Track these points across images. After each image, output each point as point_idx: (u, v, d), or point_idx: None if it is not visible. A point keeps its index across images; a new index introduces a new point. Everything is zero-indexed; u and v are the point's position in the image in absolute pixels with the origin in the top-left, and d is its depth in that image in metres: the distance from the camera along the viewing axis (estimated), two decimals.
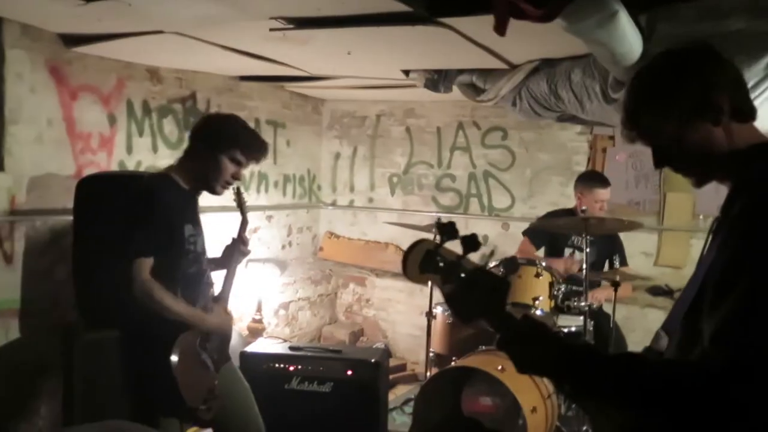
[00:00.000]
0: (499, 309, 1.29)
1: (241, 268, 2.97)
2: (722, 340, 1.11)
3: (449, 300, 1.31)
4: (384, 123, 6.17)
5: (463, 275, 1.28)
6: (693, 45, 1.39)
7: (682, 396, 1.12)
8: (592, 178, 4.33)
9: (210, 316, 2.62)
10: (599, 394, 1.23)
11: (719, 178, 1.35)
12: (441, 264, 1.29)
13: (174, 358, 2.43)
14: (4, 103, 3.43)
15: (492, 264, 3.80)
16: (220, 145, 2.59)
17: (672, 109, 1.33)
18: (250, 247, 2.92)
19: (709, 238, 1.35)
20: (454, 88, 4.35)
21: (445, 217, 4.32)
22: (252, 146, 2.68)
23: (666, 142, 1.35)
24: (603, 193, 4.20)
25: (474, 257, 1.36)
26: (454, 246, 1.34)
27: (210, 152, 2.60)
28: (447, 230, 1.30)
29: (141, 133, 4.29)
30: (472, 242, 1.28)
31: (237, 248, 2.84)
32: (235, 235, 2.88)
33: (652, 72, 1.39)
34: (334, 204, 6.39)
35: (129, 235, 2.42)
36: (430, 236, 4.05)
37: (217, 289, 2.78)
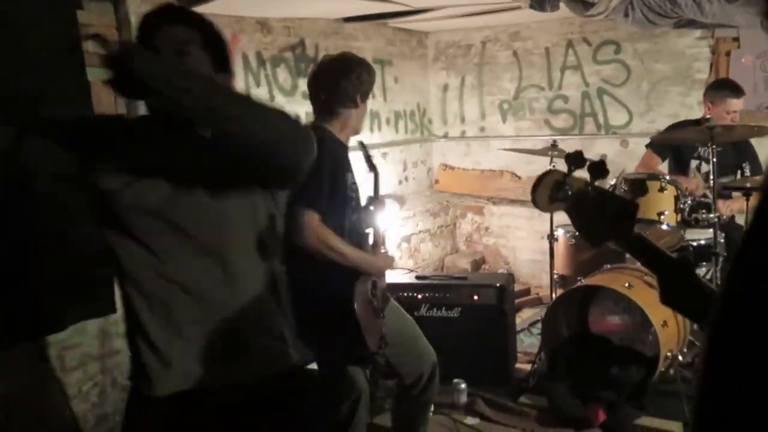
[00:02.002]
0: (627, 231, 1.31)
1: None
2: None
3: (579, 226, 1.34)
4: (490, 49, 6.08)
5: (591, 200, 1.31)
6: None
7: None
8: (723, 87, 4.09)
9: (376, 259, 2.70)
10: None
11: None
12: (570, 192, 1.32)
13: (357, 306, 2.50)
14: None
15: (612, 183, 3.75)
16: (358, 97, 2.67)
17: None
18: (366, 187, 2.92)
19: None
20: (561, 5, 4.22)
21: (560, 140, 4.26)
22: (374, 80, 2.76)
23: None
24: (736, 103, 3.98)
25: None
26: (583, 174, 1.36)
27: (351, 107, 2.68)
28: (574, 159, 1.32)
29: (258, 84, 4.49)
30: (600, 168, 1.29)
31: (376, 207, 2.83)
32: (372, 194, 2.86)
33: None
34: (446, 136, 6.43)
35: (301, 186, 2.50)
36: (546, 160, 4.04)
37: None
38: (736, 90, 4.02)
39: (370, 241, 2.80)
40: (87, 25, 3.51)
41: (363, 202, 2.79)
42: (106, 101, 3.57)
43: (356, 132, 2.79)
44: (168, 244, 1.63)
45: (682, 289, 1.26)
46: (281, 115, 1.60)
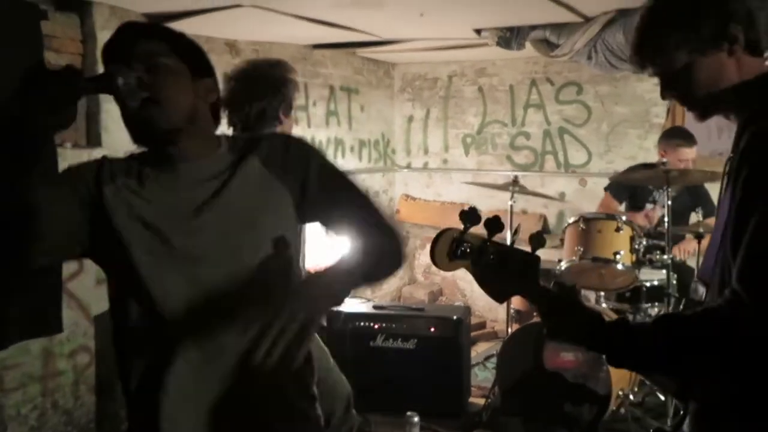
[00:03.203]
0: (532, 283, 1.31)
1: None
2: (746, 276, 1.12)
3: (482, 282, 1.33)
4: (456, 83, 6.16)
5: (492, 256, 1.31)
6: None
7: (720, 339, 1.14)
8: (676, 135, 4.15)
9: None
10: (640, 362, 1.27)
11: (724, 111, 1.33)
12: (468, 250, 1.31)
13: None
14: None
15: (571, 221, 3.80)
16: (285, 106, 2.60)
17: (688, 36, 1.29)
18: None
19: (725, 179, 1.33)
20: (527, 44, 4.32)
21: (521, 176, 4.32)
22: (297, 86, 2.70)
23: (676, 70, 1.32)
24: (688, 152, 4.03)
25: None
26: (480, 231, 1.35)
27: (275, 117, 2.59)
28: (469, 216, 1.31)
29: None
30: (495, 224, 1.29)
31: None
32: None
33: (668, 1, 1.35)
34: (408, 167, 6.46)
35: None
36: (507, 195, 4.08)
37: None
38: (688, 139, 4.08)
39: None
40: (51, 37, 3.45)
41: None
42: None
43: None
44: None
45: (566, 313, 1.29)
46: (389, 256, 1.56)
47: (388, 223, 1.56)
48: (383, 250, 1.52)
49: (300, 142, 1.65)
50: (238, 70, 2.73)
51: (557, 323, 1.30)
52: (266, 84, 2.63)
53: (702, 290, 1.35)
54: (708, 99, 1.32)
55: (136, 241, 1.43)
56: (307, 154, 1.59)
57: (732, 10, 1.28)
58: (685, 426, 1.35)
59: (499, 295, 1.35)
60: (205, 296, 1.43)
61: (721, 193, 1.36)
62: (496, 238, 1.31)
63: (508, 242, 1.40)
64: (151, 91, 1.40)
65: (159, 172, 1.51)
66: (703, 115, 1.36)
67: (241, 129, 2.61)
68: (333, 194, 1.55)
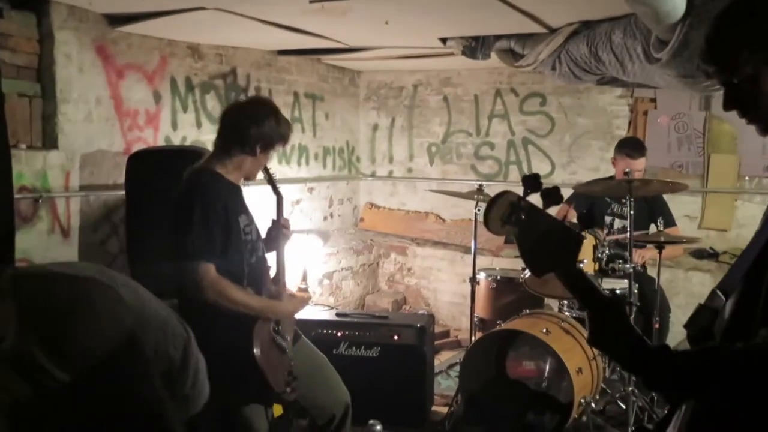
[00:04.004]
0: (570, 263, 1.29)
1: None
2: None
3: (524, 253, 1.31)
4: (421, 93, 6.18)
5: (542, 227, 1.28)
6: None
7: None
8: (626, 146, 4.20)
9: (282, 304, 2.63)
10: (678, 393, 1.24)
11: None
12: (523, 216, 1.29)
13: (256, 350, 2.41)
14: (56, 83, 3.55)
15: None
16: (258, 147, 2.57)
17: (761, 45, 1.26)
18: (291, 221, 2.88)
19: None
20: (492, 54, 4.34)
21: (485, 185, 4.33)
22: (284, 136, 2.65)
23: (742, 80, 1.28)
24: (634, 163, 4.07)
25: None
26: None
27: (253, 150, 2.57)
28: (530, 182, 1.29)
29: (185, 110, 4.39)
30: (553, 195, 1.27)
31: (278, 231, 2.78)
32: (275, 218, 2.81)
33: (749, 4, 1.31)
34: (373, 175, 6.44)
35: (187, 240, 2.37)
36: (471, 204, 4.08)
37: (272, 271, 2.77)
38: (636, 149, 4.13)
39: (272, 275, 2.72)
40: (7, 35, 3.36)
41: (261, 240, 2.69)
42: (20, 115, 3.41)
43: (249, 178, 2.67)
44: None
45: (612, 330, 1.25)
46: None
47: None
48: None
49: None
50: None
51: (603, 335, 1.26)
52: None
53: (720, 300, 1.34)
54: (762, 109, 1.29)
55: None
56: None
57: None
58: (671, 427, 1.34)
59: (538, 268, 1.32)
60: None
61: None
62: None
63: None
64: None
65: None
66: (765, 129, 1.32)
67: None
68: None
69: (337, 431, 2.85)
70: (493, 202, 1.30)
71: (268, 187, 2.76)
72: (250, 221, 2.62)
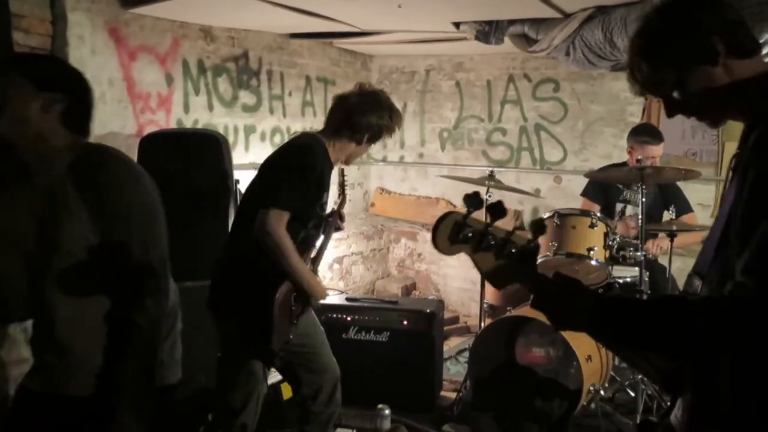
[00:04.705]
0: (530, 271, 1.31)
1: None
2: (753, 269, 1.13)
3: (482, 269, 1.32)
4: (433, 78, 6.14)
5: (492, 242, 1.30)
6: None
7: (721, 327, 1.14)
8: (643, 133, 4.14)
9: (317, 282, 2.75)
10: (639, 339, 1.25)
11: (733, 115, 1.36)
12: (470, 234, 1.30)
13: (276, 302, 2.54)
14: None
15: (546, 215, 3.81)
16: (371, 134, 2.72)
17: (667, 59, 1.35)
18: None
19: (730, 175, 1.35)
20: (506, 39, 4.31)
21: (496, 171, 4.31)
22: (392, 131, 2.80)
23: (671, 91, 1.37)
24: (654, 149, 4.03)
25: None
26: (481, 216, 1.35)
27: (360, 138, 2.72)
28: (473, 201, 1.30)
29: (197, 92, 4.38)
30: (498, 209, 1.28)
31: (334, 221, 2.99)
32: (336, 208, 3.03)
33: (645, 26, 1.41)
34: (384, 160, 6.43)
35: (277, 186, 2.51)
36: (482, 190, 4.07)
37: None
38: (654, 136, 4.07)
39: (313, 254, 2.87)
40: (19, 16, 3.36)
41: (324, 221, 2.87)
42: None
43: (346, 163, 2.85)
44: None
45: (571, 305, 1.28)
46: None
47: None
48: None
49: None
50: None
51: (559, 309, 1.29)
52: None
53: (698, 283, 1.35)
54: (710, 109, 1.37)
55: None
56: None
57: (705, 24, 1.33)
58: (672, 417, 1.34)
59: (499, 281, 1.34)
60: None
61: (725, 188, 1.37)
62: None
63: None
64: None
65: None
66: (714, 122, 1.41)
67: None
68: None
69: (326, 405, 2.89)
70: (437, 225, 1.31)
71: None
72: (326, 201, 2.79)
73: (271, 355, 2.62)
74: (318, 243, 2.89)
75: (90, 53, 3.66)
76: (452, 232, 1.30)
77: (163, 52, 4.12)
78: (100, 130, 3.73)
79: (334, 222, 2.99)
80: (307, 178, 2.56)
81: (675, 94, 1.36)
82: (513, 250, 1.29)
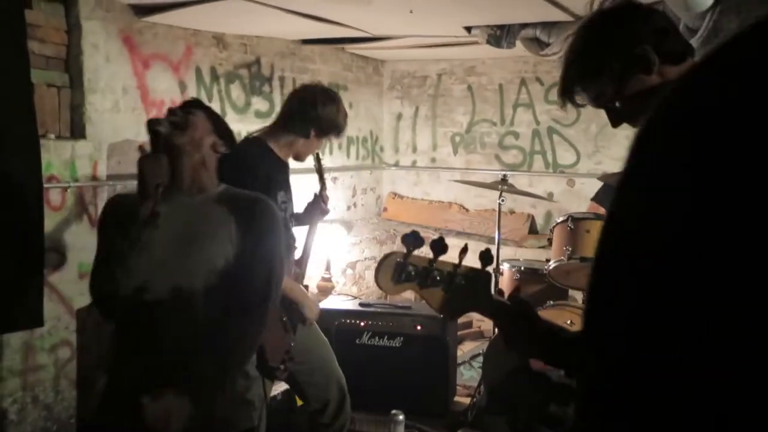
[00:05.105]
0: (484, 298, 1.33)
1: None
2: None
3: (431, 302, 1.33)
4: (445, 82, 6.14)
5: (438, 277, 1.30)
6: (609, 7, 1.46)
7: None
8: None
9: (299, 288, 2.70)
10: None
11: None
12: (413, 272, 1.30)
13: None
14: (83, 73, 3.58)
15: (559, 220, 3.79)
16: (318, 127, 2.69)
17: (602, 74, 1.38)
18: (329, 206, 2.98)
19: None
20: (517, 43, 4.30)
21: (509, 175, 4.30)
22: (339, 126, 2.76)
23: (611, 102, 1.40)
24: None
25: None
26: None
27: (307, 131, 2.68)
28: (412, 240, 1.30)
29: (210, 99, 4.41)
30: (439, 245, 1.29)
31: (318, 206, 2.90)
32: (317, 192, 2.94)
33: (578, 42, 1.44)
34: (396, 164, 6.44)
35: None
36: (495, 194, 4.06)
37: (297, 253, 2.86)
38: None
39: (296, 257, 2.79)
40: (35, 26, 3.39)
41: (292, 221, 2.80)
42: (48, 104, 3.45)
43: (298, 159, 2.79)
44: None
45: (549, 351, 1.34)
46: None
47: None
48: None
49: None
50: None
51: (514, 333, 1.34)
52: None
53: None
54: (641, 113, 1.37)
55: None
56: None
57: (631, 36, 1.36)
58: None
59: (451, 312, 1.35)
60: None
61: None
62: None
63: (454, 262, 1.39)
64: None
65: None
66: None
67: None
68: None
69: (335, 418, 2.87)
70: (379, 267, 1.32)
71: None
72: (288, 199, 2.73)
73: (270, 370, 2.55)
74: (299, 242, 2.83)
75: (104, 61, 3.69)
76: (394, 273, 1.30)
77: (177, 59, 4.15)
78: (115, 137, 3.76)
79: (316, 208, 2.90)
80: (246, 183, 2.46)
81: (617, 104, 1.40)
82: (462, 282, 1.31)
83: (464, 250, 1.33)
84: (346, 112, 2.81)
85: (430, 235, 1.34)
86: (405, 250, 1.30)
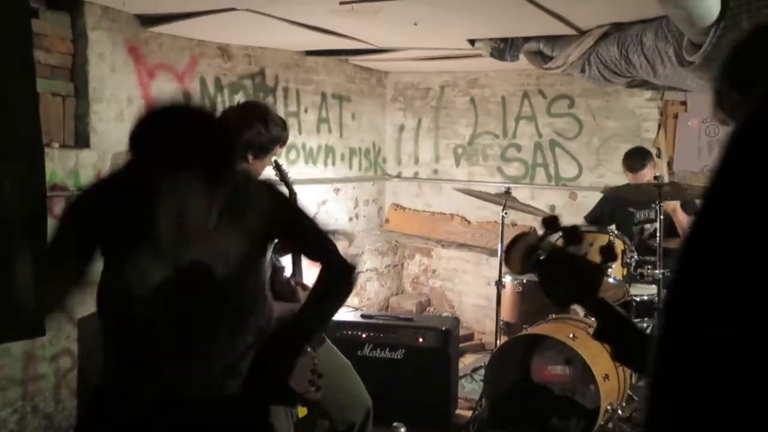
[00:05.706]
0: (592, 295, 1.35)
1: None
2: None
3: (547, 287, 1.36)
4: (448, 94, 6.16)
5: (561, 264, 1.34)
6: None
7: None
8: (630, 156, 4.20)
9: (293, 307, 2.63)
10: None
11: None
12: (542, 257, 1.34)
13: None
14: (88, 83, 3.60)
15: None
16: (253, 150, 2.56)
17: (752, 90, 1.31)
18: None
19: None
20: (521, 56, 4.32)
21: (512, 188, 4.30)
22: (276, 139, 2.62)
23: (728, 113, 1.34)
24: (636, 177, 4.04)
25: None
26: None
27: (244, 157, 2.55)
28: (550, 224, 1.35)
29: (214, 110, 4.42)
30: (573, 234, 1.32)
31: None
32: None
33: (737, 53, 1.36)
34: (399, 176, 6.44)
35: None
36: (498, 207, 4.06)
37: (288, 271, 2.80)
38: (642, 159, 4.10)
39: (287, 276, 2.74)
40: (41, 35, 3.41)
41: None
42: (53, 114, 3.46)
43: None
44: None
45: (634, 351, 1.32)
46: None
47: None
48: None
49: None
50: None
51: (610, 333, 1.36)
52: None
53: None
54: None
55: None
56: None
57: None
58: None
59: (561, 300, 1.39)
60: None
61: None
62: None
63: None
64: None
65: None
66: None
67: None
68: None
69: None
70: (511, 246, 1.36)
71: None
72: None
73: (300, 398, 2.53)
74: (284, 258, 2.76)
75: (110, 71, 3.71)
76: (525, 255, 1.35)
77: (181, 70, 4.17)
78: (119, 147, 3.76)
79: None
80: None
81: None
82: (579, 274, 1.34)
83: (579, 240, 1.34)
84: (278, 119, 2.65)
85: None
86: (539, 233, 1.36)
